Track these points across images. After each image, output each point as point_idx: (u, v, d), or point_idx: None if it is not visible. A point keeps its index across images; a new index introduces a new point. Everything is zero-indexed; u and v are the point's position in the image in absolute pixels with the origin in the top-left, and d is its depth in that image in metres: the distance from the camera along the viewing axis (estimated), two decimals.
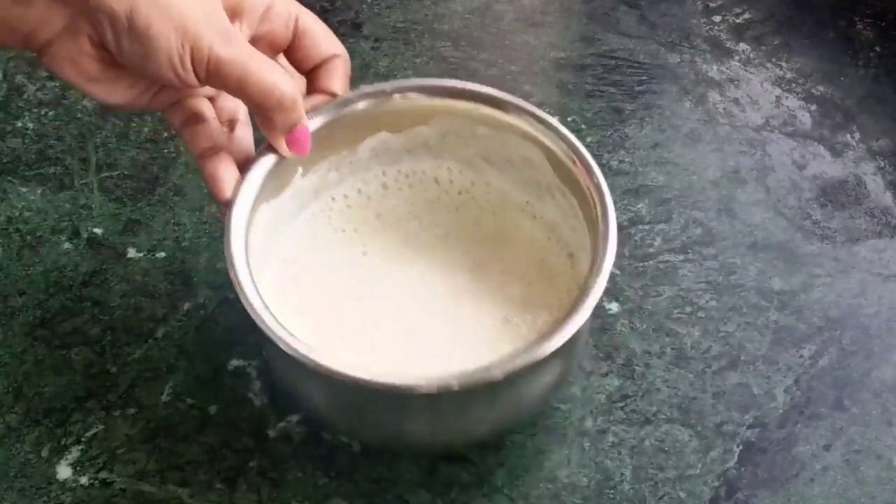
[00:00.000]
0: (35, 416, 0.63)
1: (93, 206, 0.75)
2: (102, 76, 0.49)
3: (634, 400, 0.65)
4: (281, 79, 0.50)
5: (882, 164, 0.81)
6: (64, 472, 0.61)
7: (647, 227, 0.75)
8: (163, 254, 0.72)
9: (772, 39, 0.91)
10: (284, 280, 0.58)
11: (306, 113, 0.53)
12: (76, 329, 0.67)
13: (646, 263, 0.73)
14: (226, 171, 0.53)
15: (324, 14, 0.83)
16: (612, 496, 0.60)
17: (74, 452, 0.62)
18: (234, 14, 0.51)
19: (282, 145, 0.53)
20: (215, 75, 0.48)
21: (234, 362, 0.66)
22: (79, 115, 0.81)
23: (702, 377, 0.66)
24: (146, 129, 0.80)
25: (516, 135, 0.57)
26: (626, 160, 0.80)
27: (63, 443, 0.62)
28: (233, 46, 0.48)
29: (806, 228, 0.76)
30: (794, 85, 0.87)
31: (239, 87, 0.49)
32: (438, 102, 0.58)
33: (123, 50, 0.47)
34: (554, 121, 0.57)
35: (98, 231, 0.73)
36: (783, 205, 0.77)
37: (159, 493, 0.60)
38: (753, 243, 0.74)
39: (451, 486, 0.60)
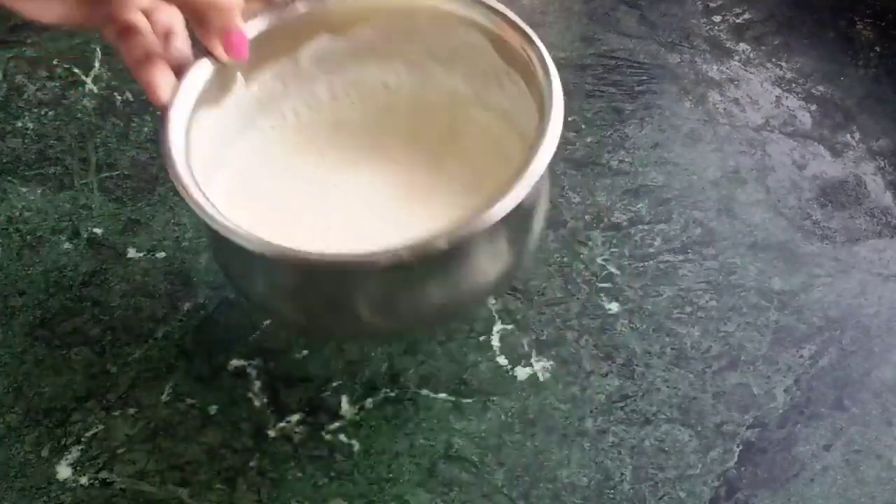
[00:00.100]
0: (35, 416, 0.63)
1: (93, 206, 0.75)
2: None
3: (634, 400, 0.65)
4: None
5: (882, 164, 0.81)
6: (64, 472, 0.61)
7: (647, 227, 0.75)
8: (163, 254, 0.72)
9: (772, 39, 0.91)
10: (234, 194, 0.57)
11: (243, 18, 0.53)
12: (76, 329, 0.68)
13: (646, 263, 0.73)
14: (162, 77, 0.52)
15: None
16: (612, 496, 0.60)
17: (74, 452, 0.62)
18: None
19: (218, 49, 0.52)
20: None
21: (234, 362, 0.66)
22: (79, 115, 0.81)
23: (702, 377, 0.66)
24: (146, 129, 0.80)
25: (457, 22, 0.56)
26: (626, 160, 0.80)
27: (63, 443, 0.62)
28: None
29: (806, 228, 0.76)
30: (794, 85, 0.87)
31: None
32: None
33: None
34: (492, 1, 0.56)
35: (98, 231, 0.73)
36: (783, 205, 0.77)
37: (159, 493, 0.60)
38: (753, 243, 0.74)
39: (451, 486, 0.60)
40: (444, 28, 0.58)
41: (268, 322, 0.68)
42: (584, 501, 0.60)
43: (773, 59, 0.89)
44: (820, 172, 0.80)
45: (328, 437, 0.62)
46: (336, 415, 0.64)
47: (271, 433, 0.63)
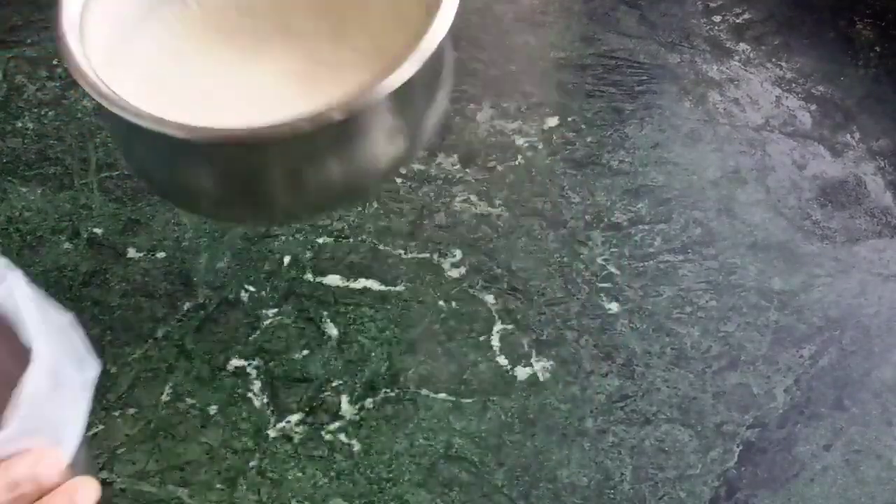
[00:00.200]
0: None
1: (93, 206, 0.75)
2: None
3: (634, 400, 0.65)
4: None
5: (882, 164, 0.81)
6: None
7: (647, 227, 0.75)
8: (163, 254, 0.72)
9: (772, 39, 0.91)
10: (140, 84, 0.56)
11: None
12: None
13: (646, 263, 0.73)
14: None
15: None
16: (612, 496, 0.60)
17: None
18: None
19: None
20: None
21: (234, 362, 0.66)
22: (79, 115, 0.81)
23: (702, 377, 0.66)
24: None
25: None
26: (626, 160, 0.80)
27: None
28: None
29: (806, 228, 0.76)
30: (794, 85, 0.87)
31: None
32: None
33: None
34: None
35: (98, 231, 0.73)
36: (783, 205, 0.77)
37: (159, 493, 0.60)
38: (753, 243, 0.74)
39: (451, 486, 0.60)
40: None
41: (268, 322, 0.68)
42: (584, 501, 0.60)
43: (773, 59, 0.89)
44: (820, 172, 0.80)
45: (328, 437, 0.62)
46: (336, 415, 0.64)
47: (271, 433, 0.63)
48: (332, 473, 0.61)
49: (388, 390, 0.64)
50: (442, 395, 0.64)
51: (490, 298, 0.69)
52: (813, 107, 0.85)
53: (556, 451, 0.62)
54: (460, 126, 0.80)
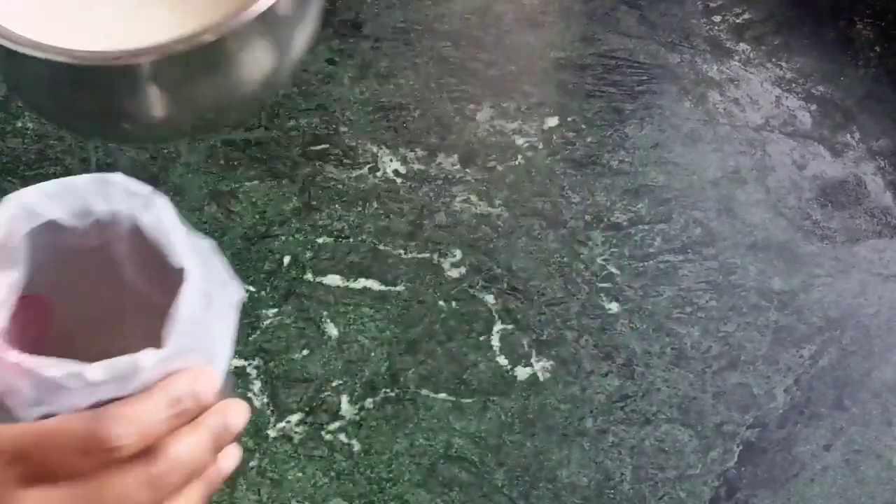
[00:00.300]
0: None
1: None
2: None
3: (634, 400, 0.65)
4: None
5: (882, 164, 0.81)
6: None
7: (647, 227, 0.75)
8: None
9: (772, 39, 0.91)
10: (12, 5, 0.57)
11: None
12: None
13: (646, 263, 0.73)
14: None
15: (324, 14, 0.83)
16: (612, 496, 0.60)
17: None
18: None
19: None
20: None
21: (234, 362, 0.66)
22: None
23: (702, 377, 0.66)
24: None
25: None
26: (626, 160, 0.80)
27: None
28: None
29: (806, 228, 0.76)
30: (794, 85, 0.87)
31: None
32: None
33: None
34: None
35: None
36: (783, 205, 0.77)
37: None
38: (753, 243, 0.74)
39: (450, 486, 0.60)
40: None
41: (268, 322, 0.68)
42: (584, 501, 0.60)
43: (773, 59, 0.89)
44: (820, 172, 0.80)
45: (328, 437, 0.62)
46: (336, 415, 0.64)
47: (271, 433, 0.63)
48: (332, 473, 0.61)
49: (388, 390, 0.64)
50: (442, 395, 0.64)
51: (490, 298, 0.69)
52: (813, 107, 0.85)
53: (556, 451, 0.62)
54: (460, 126, 0.80)
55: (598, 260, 0.72)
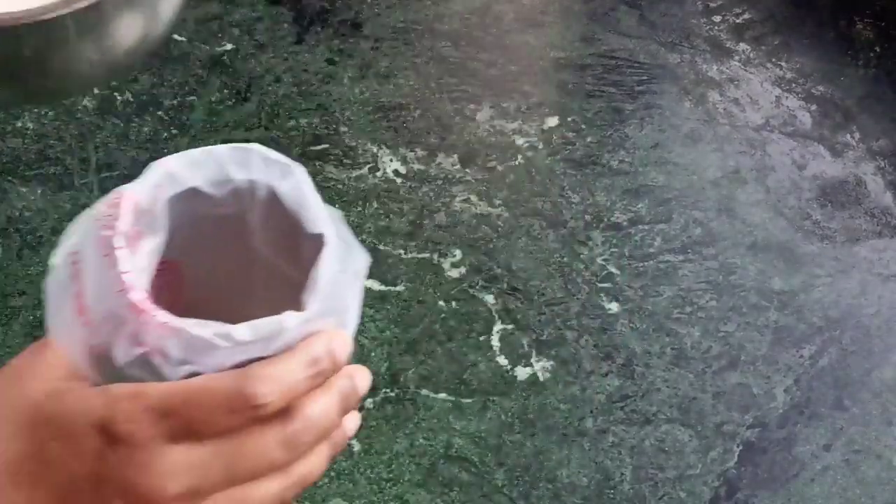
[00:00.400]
0: None
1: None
2: None
3: (634, 400, 0.65)
4: None
5: (882, 164, 0.81)
6: None
7: (647, 227, 0.75)
8: None
9: (772, 39, 0.91)
10: None
11: None
12: None
13: (646, 263, 0.73)
14: None
15: (324, 14, 0.83)
16: (612, 496, 0.60)
17: None
18: None
19: None
20: None
21: None
22: (79, 115, 0.81)
23: (702, 377, 0.66)
24: (146, 129, 0.80)
25: None
26: (626, 160, 0.80)
27: None
28: None
29: (806, 228, 0.76)
30: (794, 85, 0.87)
31: None
32: None
33: None
34: None
35: None
36: (783, 205, 0.77)
37: None
38: (753, 243, 0.74)
39: (451, 485, 0.60)
40: None
41: None
42: (584, 501, 0.60)
43: (773, 59, 0.89)
44: (820, 172, 0.80)
45: None
46: None
47: None
48: (332, 473, 0.61)
49: (388, 390, 0.64)
50: (442, 395, 0.64)
51: (490, 298, 0.69)
52: (813, 107, 0.85)
53: (556, 452, 0.62)
54: (460, 126, 0.80)
55: (598, 260, 0.72)
